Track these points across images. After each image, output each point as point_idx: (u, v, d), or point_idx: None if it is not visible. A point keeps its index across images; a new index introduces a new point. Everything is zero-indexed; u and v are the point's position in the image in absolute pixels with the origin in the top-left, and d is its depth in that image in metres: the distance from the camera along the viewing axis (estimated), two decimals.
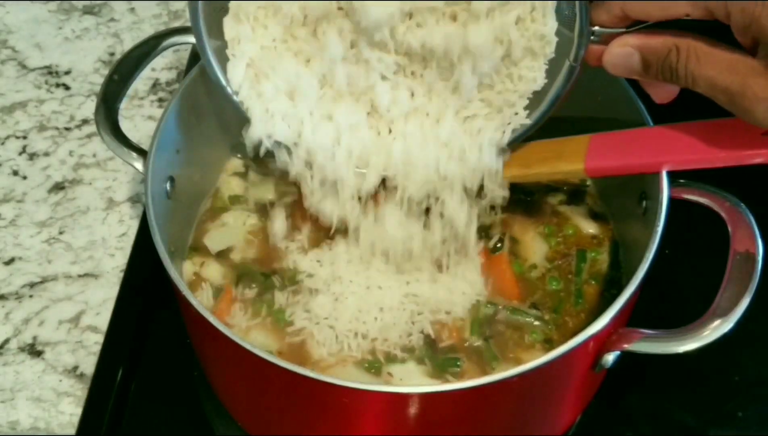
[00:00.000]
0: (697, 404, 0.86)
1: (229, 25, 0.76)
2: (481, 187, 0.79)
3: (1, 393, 0.87)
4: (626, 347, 0.70)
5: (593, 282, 0.85)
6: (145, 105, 1.08)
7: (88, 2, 1.18)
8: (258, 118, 0.77)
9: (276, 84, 0.77)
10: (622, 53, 0.70)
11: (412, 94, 0.77)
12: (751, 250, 0.71)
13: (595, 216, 0.89)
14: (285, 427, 0.76)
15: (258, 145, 0.78)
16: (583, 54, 0.73)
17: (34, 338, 0.90)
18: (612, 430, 0.85)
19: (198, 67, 0.83)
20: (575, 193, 0.91)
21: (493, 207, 0.82)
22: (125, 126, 0.83)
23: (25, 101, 1.08)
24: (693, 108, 0.91)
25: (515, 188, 0.81)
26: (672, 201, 0.74)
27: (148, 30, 1.15)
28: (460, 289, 0.82)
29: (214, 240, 0.87)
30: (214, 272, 0.85)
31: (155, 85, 1.10)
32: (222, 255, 0.86)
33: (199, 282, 0.85)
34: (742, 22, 0.62)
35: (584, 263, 0.86)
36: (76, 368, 0.88)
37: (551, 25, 0.73)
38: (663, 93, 0.73)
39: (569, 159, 0.78)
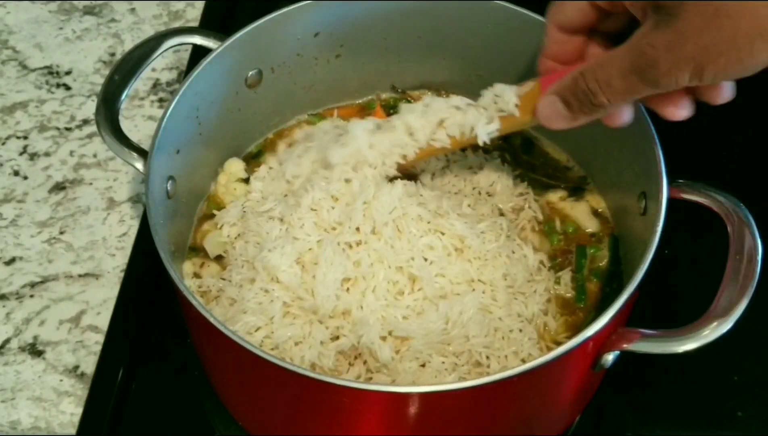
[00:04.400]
0: (697, 404, 0.86)
1: None
2: None
3: (1, 393, 0.87)
4: (626, 346, 0.70)
5: (594, 279, 0.85)
6: (145, 105, 1.08)
7: (88, 2, 1.18)
8: None
9: None
10: (547, 103, 0.72)
11: None
12: (751, 250, 0.71)
13: (595, 214, 0.89)
14: (285, 427, 0.77)
15: None
16: None
17: (35, 337, 0.90)
18: (612, 430, 0.85)
19: (198, 68, 0.83)
20: (576, 191, 0.91)
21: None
22: (126, 126, 0.83)
23: (25, 101, 1.09)
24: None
25: None
26: (672, 201, 0.74)
27: (148, 30, 1.15)
28: None
29: (213, 244, 0.86)
30: (214, 273, 0.85)
31: (156, 86, 1.10)
32: (221, 257, 0.86)
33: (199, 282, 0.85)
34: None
35: (584, 259, 0.86)
36: (76, 367, 0.88)
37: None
38: (671, 109, 0.70)
39: (523, 109, 0.78)
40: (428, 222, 0.80)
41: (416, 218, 0.80)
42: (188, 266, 0.86)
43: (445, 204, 0.82)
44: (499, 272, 0.80)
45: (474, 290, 0.78)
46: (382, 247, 0.78)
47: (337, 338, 0.77)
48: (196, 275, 0.85)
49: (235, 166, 0.91)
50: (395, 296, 0.77)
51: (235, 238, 0.85)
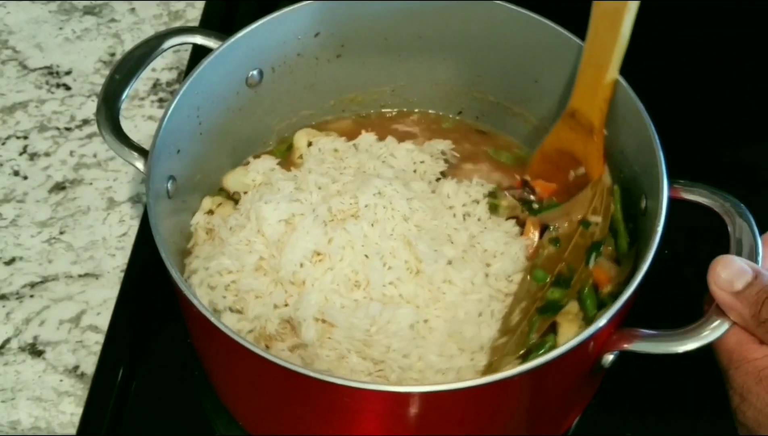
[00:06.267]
0: (697, 404, 0.86)
1: None
2: None
3: (1, 393, 0.87)
4: (626, 347, 0.70)
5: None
6: (145, 105, 1.08)
7: (88, 2, 1.18)
8: None
9: None
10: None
11: None
12: (751, 250, 0.71)
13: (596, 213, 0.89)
14: (285, 426, 0.77)
15: None
16: None
17: (35, 337, 0.90)
18: (612, 430, 0.85)
19: (198, 68, 0.83)
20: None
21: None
22: (126, 126, 0.82)
23: (25, 101, 1.09)
24: (695, 106, 0.90)
25: None
26: (672, 201, 0.74)
27: (148, 30, 1.15)
28: None
29: (234, 180, 0.89)
30: (225, 214, 0.87)
31: (156, 86, 1.10)
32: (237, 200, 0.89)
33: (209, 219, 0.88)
34: None
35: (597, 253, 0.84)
36: (76, 367, 0.88)
37: None
38: None
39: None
40: (406, 220, 0.82)
41: (397, 211, 0.81)
42: (207, 202, 0.89)
43: (429, 233, 0.82)
44: (449, 312, 0.79)
45: (418, 306, 0.78)
46: (357, 232, 0.80)
47: (286, 305, 0.79)
48: (210, 212, 0.88)
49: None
50: (351, 286, 0.79)
51: (258, 186, 0.88)
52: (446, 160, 0.93)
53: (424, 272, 0.79)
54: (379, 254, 0.79)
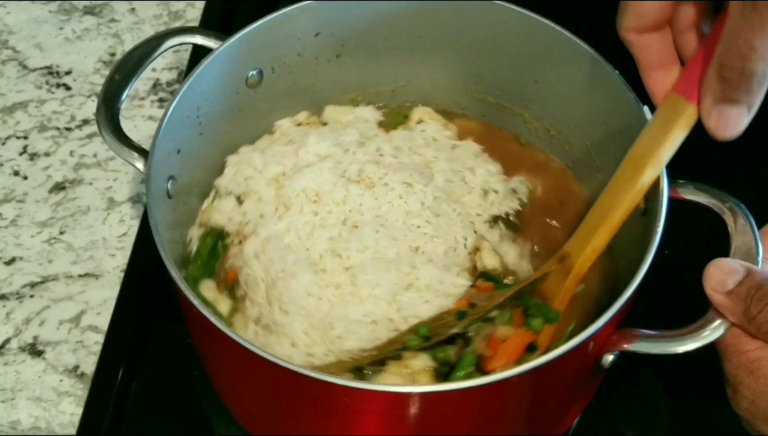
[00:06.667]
0: (697, 404, 0.86)
1: None
2: None
3: (1, 393, 0.87)
4: (626, 347, 0.70)
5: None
6: (145, 105, 1.08)
7: (88, 2, 1.18)
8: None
9: None
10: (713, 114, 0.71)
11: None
12: (751, 250, 0.71)
13: None
14: (285, 426, 0.77)
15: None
16: None
17: (35, 337, 0.90)
18: (612, 430, 0.85)
19: (198, 68, 0.83)
20: None
21: None
22: (126, 126, 0.82)
23: (25, 101, 1.09)
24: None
25: None
26: (672, 201, 0.74)
27: (148, 30, 1.16)
28: None
29: (331, 114, 0.93)
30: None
31: (156, 86, 1.10)
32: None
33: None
34: None
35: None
36: (76, 367, 0.88)
37: None
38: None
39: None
40: (405, 214, 0.82)
41: (406, 204, 0.83)
42: (303, 115, 0.93)
43: (405, 234, 0.82)
44: (337, 302, 0.79)
45: (324, 282, 0.80)
46: (356, 197, 0.82)
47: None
48: (300, 124, 0.93)
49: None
50: (311, 234, 0.82)
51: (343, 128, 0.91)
52: (524, 202, 0.88)
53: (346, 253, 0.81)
54: (351, 224, 0.81)
